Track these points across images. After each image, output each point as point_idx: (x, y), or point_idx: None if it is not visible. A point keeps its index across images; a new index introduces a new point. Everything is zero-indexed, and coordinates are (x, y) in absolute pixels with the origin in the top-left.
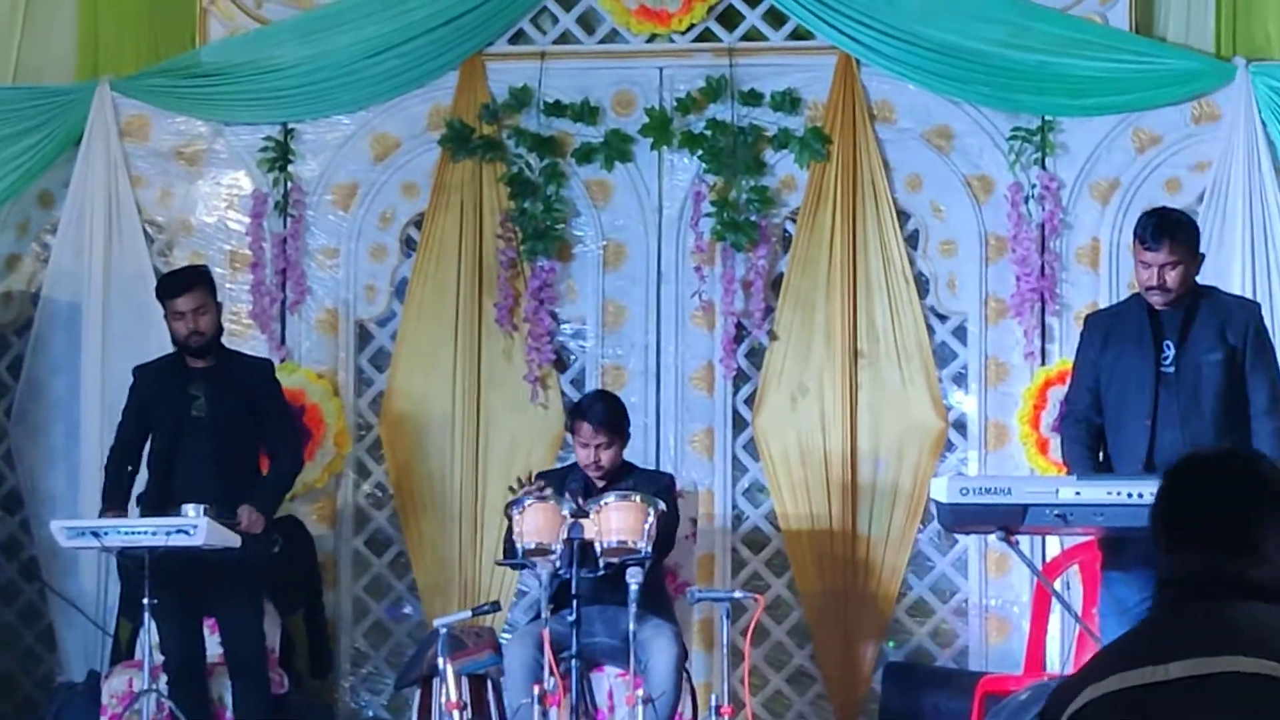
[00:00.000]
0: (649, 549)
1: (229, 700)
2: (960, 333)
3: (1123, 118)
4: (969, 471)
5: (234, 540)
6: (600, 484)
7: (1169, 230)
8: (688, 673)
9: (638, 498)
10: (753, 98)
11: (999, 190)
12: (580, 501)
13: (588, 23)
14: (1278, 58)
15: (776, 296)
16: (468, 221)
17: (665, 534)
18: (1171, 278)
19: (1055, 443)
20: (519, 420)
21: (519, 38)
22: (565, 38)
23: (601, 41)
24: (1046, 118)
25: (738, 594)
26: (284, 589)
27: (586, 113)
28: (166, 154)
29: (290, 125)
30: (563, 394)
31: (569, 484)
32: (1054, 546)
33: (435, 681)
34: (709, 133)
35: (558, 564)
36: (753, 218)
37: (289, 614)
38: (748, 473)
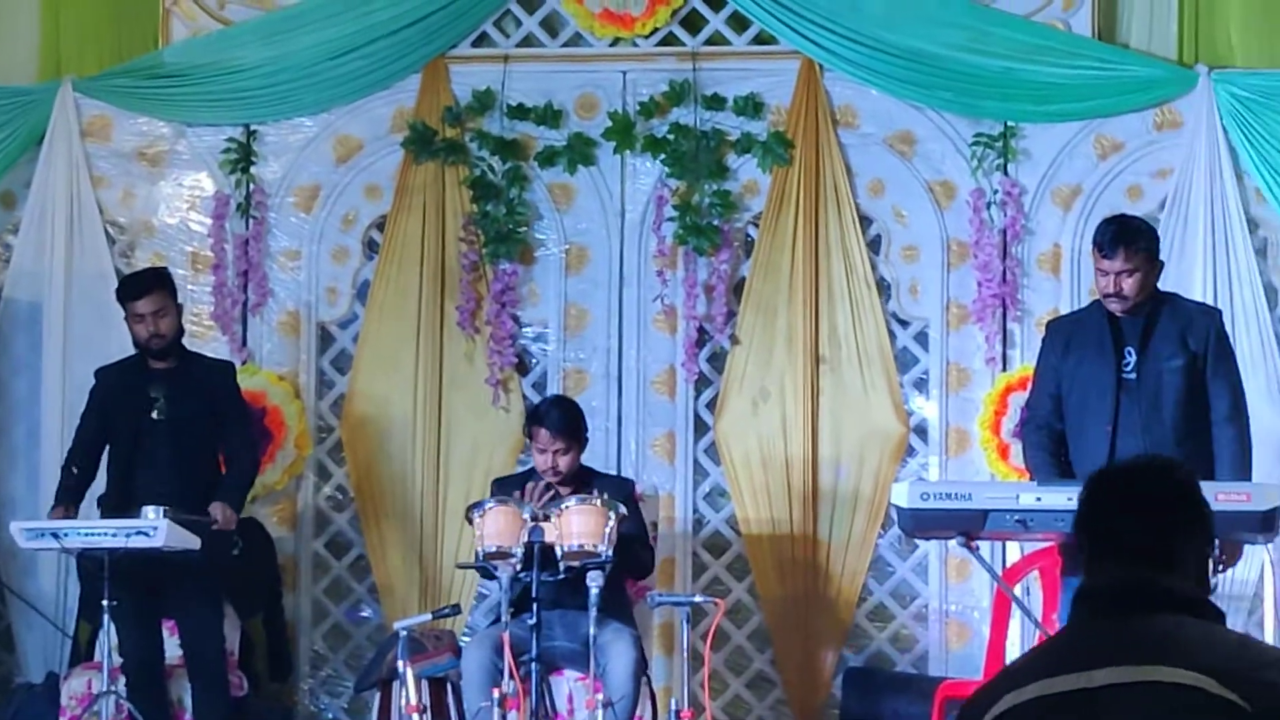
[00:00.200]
0: (610, 553)
1: (188, 702)
2: (922, 338)
3: (1085, 124)
4: (930, 477)
5: (194, 542)
6: (564, 490)
7: (1126, 238)
8: (648, 677)
9: (599, 501)
10: (716, 102)
11: (961, 196)
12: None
13: (551, 26)
14: (1239, 65)
15: (738, 301)
16: (430, 224)
17: (633, 549)
18: (1129, 285)
19: (1016, 448)
20: (480, 423)
21: (482, 40)
22: (528, 41)
23: (565, 45)
24: (1009, 124)
25: (698, 598)
26: (244, 591)
27: (549, 116)
28: (128, 155)
29: (253, 127)
30: (524, 397)
31: None
32: (1014, 552)
33: (395, 684)
34: (672, 137)
35: (518, 567)
36: (715, 222)
37: (248, 616)
38: (709, 477)
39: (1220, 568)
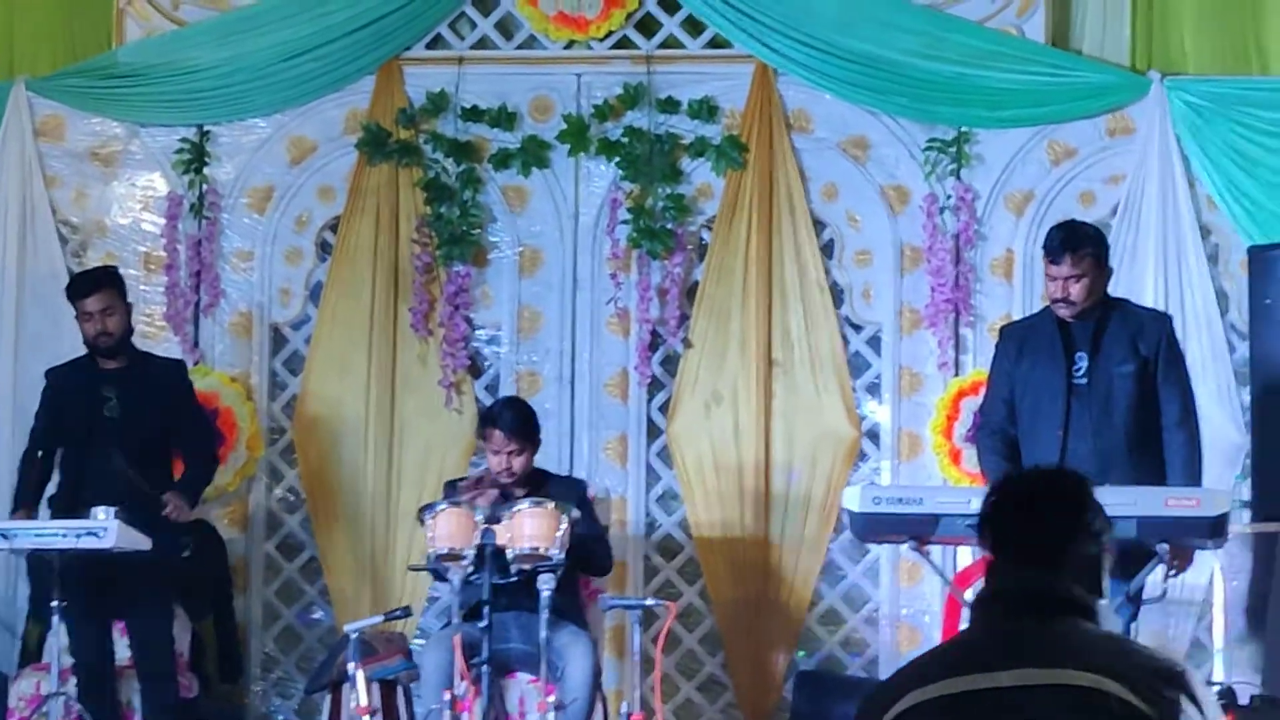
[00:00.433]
0: (562, 556)
1: (138, 704)
2: (874, 342)
3: (1038, 130)
4: (882, 481)
5: (144, 543)
6: (518, 492)
7: (1073, 243)
8: (599, 680)
9: (551, 504)
10: (670, 105)
11: (914, 201)
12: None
13: (506, 28)
14: (1192, 72)
15: (692, 304)
16: (383, 226)
17: (590, 547)
18: (1076, 290)
19: (968, 453)
20: (433, 425)
21: (437, 43)
22: (483, 43)
23: (519, 47)
24: (962, 129)
25: (649, 601)
26: (194, 593)
27: (504, 118)
28: (81, 155)
29: (206, 127)
30: (477, 400)
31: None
32: (966, 557)
33: (345, 687)
34: (626, 140)
35: (470, 570)
36: (669, 225)
37: (199, 618)
38: (661, 480)
39: (1171, 573)
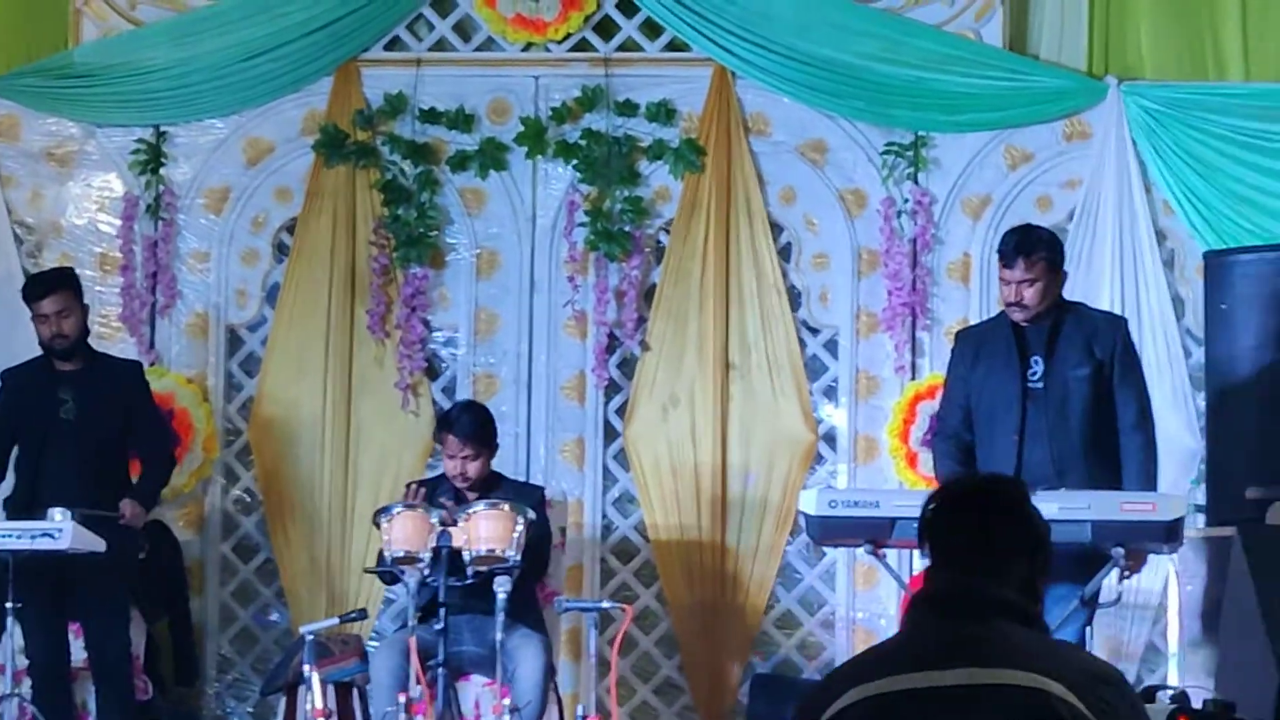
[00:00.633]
0: (518, 558)
1: (93, 706)
2: (831, 346)
3: (995, 134)
4: (838, 484)
5: (99, 544)
6: (471, 495)
7: (1026, 248)
8: (554, 683)
9: (507, 506)
10: (628, 108)
11: (872, 205)
12: (450, 509)
13: (464, 30)
14: (1149, 77)
15: (649, 307)
16: (341, 227)
17: (539, 552)
18: (1029, 294)
19: (924, 456)
20: (389, 428)
21: (395, 44)
22: (441, 45)
23: (477, 49)
24: (920, 133)
25: (606, 604)
26: (150, 594)
27: (461, 120)
28: (37, 155)
29: (163, 128)
30: (434, 402)
31: (439, 494)
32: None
33: (301, 689)
34: (584, 142)
35: (426, 572)
36: (626, 228)
37: (155, 619)
38: (618, 483)
39: (1125, 575)
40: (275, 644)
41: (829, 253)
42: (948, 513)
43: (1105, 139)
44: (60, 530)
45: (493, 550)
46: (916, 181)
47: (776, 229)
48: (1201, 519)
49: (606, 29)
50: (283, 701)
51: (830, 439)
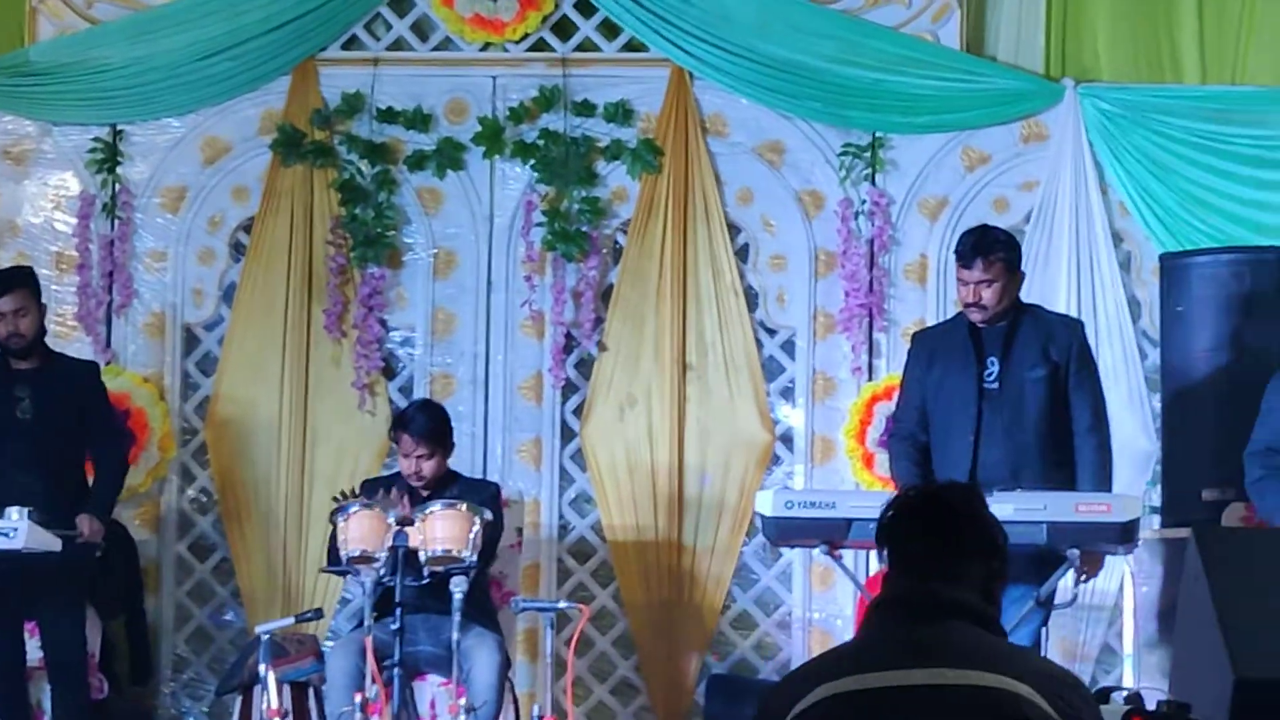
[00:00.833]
0: (474, 558)
1: (48, 705)
2: (788, 347)
3: (952, 136)
4: (795, 485)
5: (54, 544)
6: (425, 494)
7: (984, 248)
8: (511, 682)
9: (463, 506)
10: (585, 108)
11: (829, 206)
12: (405, 504)
13: (421, 30)
14: (1106, 79)
15: (606, 307)
16: (298, 227)
17: (489, 543)
18: (988, 295)
19: (881, 457)
20: (346, 427)
21: (352, 43)
22: (399, 44)
23: (435, 49)
24: (877, 134)
25: (562, 604)
26: (106, 593)
27: (419, 120)
28: None
29: (119, 127)
30: (390, 402)
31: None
32: (878, 561)
33: (257, 688)
34: (541, 142)
35: (382, 572)
36: (584, 228)
37: (110, 619)
38: (575, 483)
39: (1081, 578)
40: (231, 643)
41: (786, 254)
42: (906, 519)
43: (1062, 141)
44: (15, 529)
45: (449, 550)
46: (874, 183)
47: (734, 230)
48: (1157, 520)
49: (564, 29)
50: (238, 701)
51: (787, 440)
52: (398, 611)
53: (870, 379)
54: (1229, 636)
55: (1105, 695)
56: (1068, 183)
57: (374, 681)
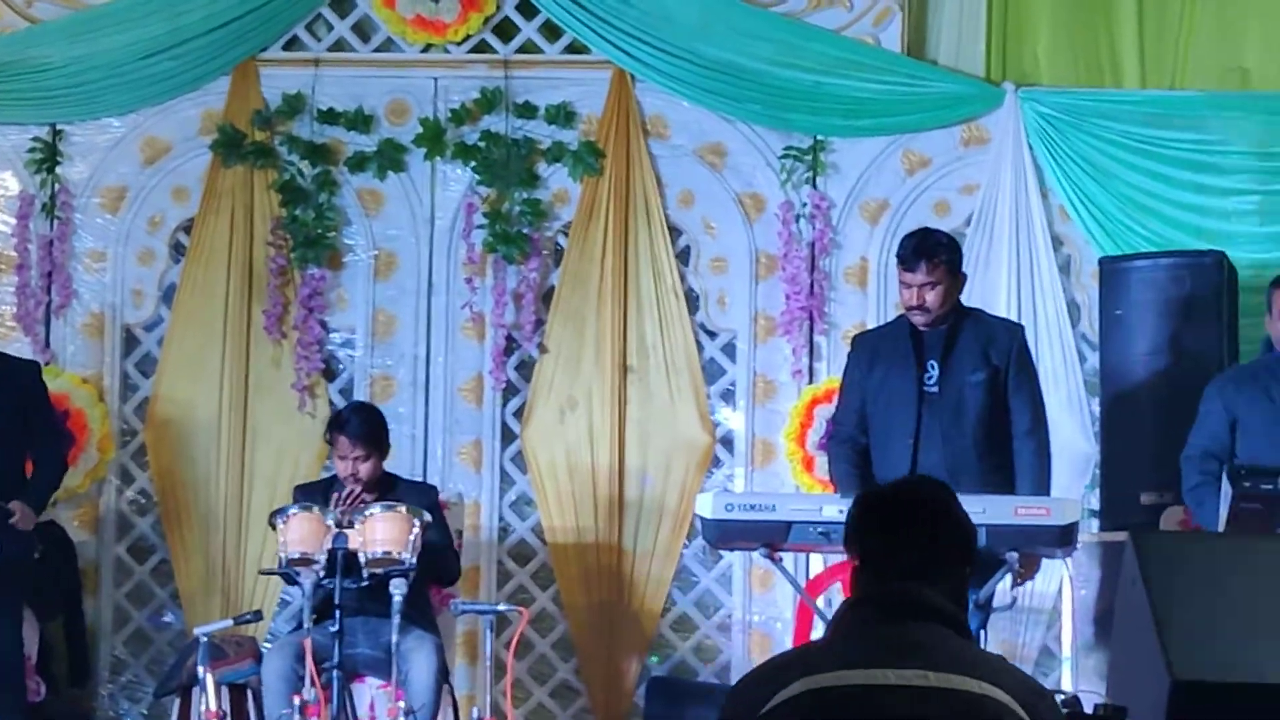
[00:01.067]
0: (413, 560)
1: None
2: (729, 350)
3: (893, 139)
4: (735, 488)
5: None
6: (368, 498)
7: (927, 251)
8: (450, 685)
9: (404, 509)
10: (527, 110)
11: (770, 209)
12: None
13: (363, 31)
14: (1046, 83)
15: (547, 309)
16: (238, 228)
17: (441, 555)
18: (931, 298)
19: (821, 460)
20: (286, 429)
21: (293, 44)
22: (340, 45)
23: (376, 50)
24: (818, 137)
25: (502, 606)
26: (43, 595)
27: (360, 121)
28: None
29: (59, 126)
30: (330, 403)
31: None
32: (818, 564)
33: (195, 690)
34: (483, 144)
35: (321, 574)
36: (525, 230)
37: (48, 620)
38: (515, 485)
39: (1018, 580)
40: (169, 645)
41: (727, 256)
42: (877, 519)
43: (1002, 144)
44: None
45: (388, 553)
46: (815, 186)
47: (675, 232)
48: (1095, 523)
49: (506, 31)
50: (177, 703)
51: (727, 442)
52: (337, 614)
53: (811, 382)
54: (1165, 640)
55: None
56: (1008, 186)
57: (312, 684)
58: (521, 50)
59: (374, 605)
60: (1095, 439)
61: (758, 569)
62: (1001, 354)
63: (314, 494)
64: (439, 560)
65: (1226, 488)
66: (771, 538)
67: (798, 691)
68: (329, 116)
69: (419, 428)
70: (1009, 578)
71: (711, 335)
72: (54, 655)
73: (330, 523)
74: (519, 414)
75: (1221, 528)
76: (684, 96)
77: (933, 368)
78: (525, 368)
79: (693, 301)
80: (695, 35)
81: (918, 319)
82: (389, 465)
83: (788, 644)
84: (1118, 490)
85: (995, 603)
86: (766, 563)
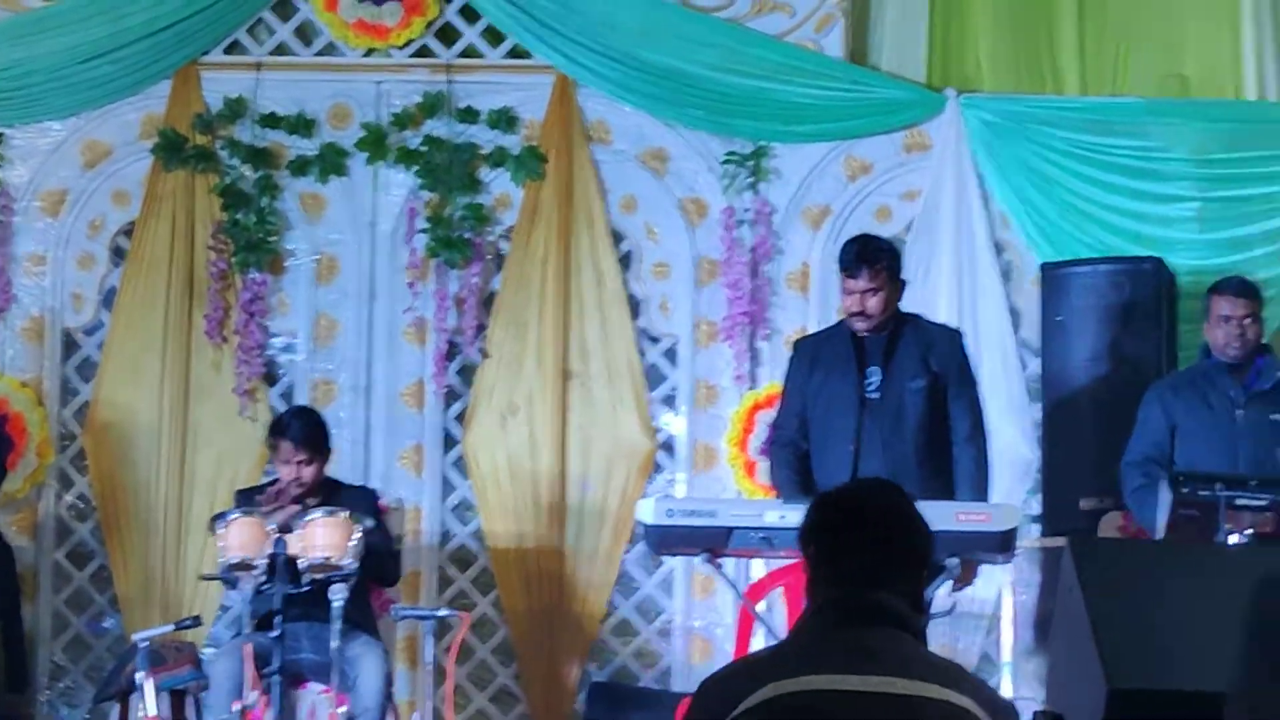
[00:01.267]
0: (355, 565)
1: None
2: (671, 355)
3: (835, 145)
4: (677, 493)
5: None
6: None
7: (869, 257)
8: (390, 690)
9: (344, 514)
10: (469, 115)
11: (712, 214)
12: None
13: (305, 35)
14: (987, 90)
15: (489, 314)
16: (179, 232)
17: (386, 553)
18: (873, 304)
19: (763, 465)
20: (226, 433)
21: (235, 48)
22: (282, 49)
23: (318, 54)
24: (760, 143)
25: (442, 612)
26: None
27: (302, 125)
28: None
29: None
30: (271, 408)
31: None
32: (759, 569)
33: (134, 696)
34: (425, 149)
35: (262, 579)
36: (467, 235)
37: None
38: (456, 490)
39: (958, 586)
40: (109, 651)
41: (669, 261)
42: (837, 523)
43: (944, 151)
44: None
45: (329, 558)
46: (757, 191)
47: (617, 237)
48: (1036, 529)
49: (448, 35)
50: (116, 709)
51: (669, 447)
52: (277, 619)
53: (752, 387)
54: (1103, 647)
55: None
56: (949, 192)
57: (253, 689)
58: (464, 55)
59: (319, 610)
60: (1036, 445)
61: (699, 574)
62: (942, 361)
63: (255, 499)
64: (380, 563)
65: (1166, 494)
66: (712, 543)
67: (768, 697)
68: (270, 120)
69: (360, 432)
70: (949, 583)
71: (653, 340)
72: None
73: (270, 528)
74: (461, 419)
75: (1161, 534)
76: (626, 102)
77: (874, 374)
78: (467, 373)
79: (635, 307)
80: (638, 41)
81: (859, 325)
82: (330, 470)
83: (729, 649)
84: (1058, 496)
85: (934, 608)
86: (708, 568)
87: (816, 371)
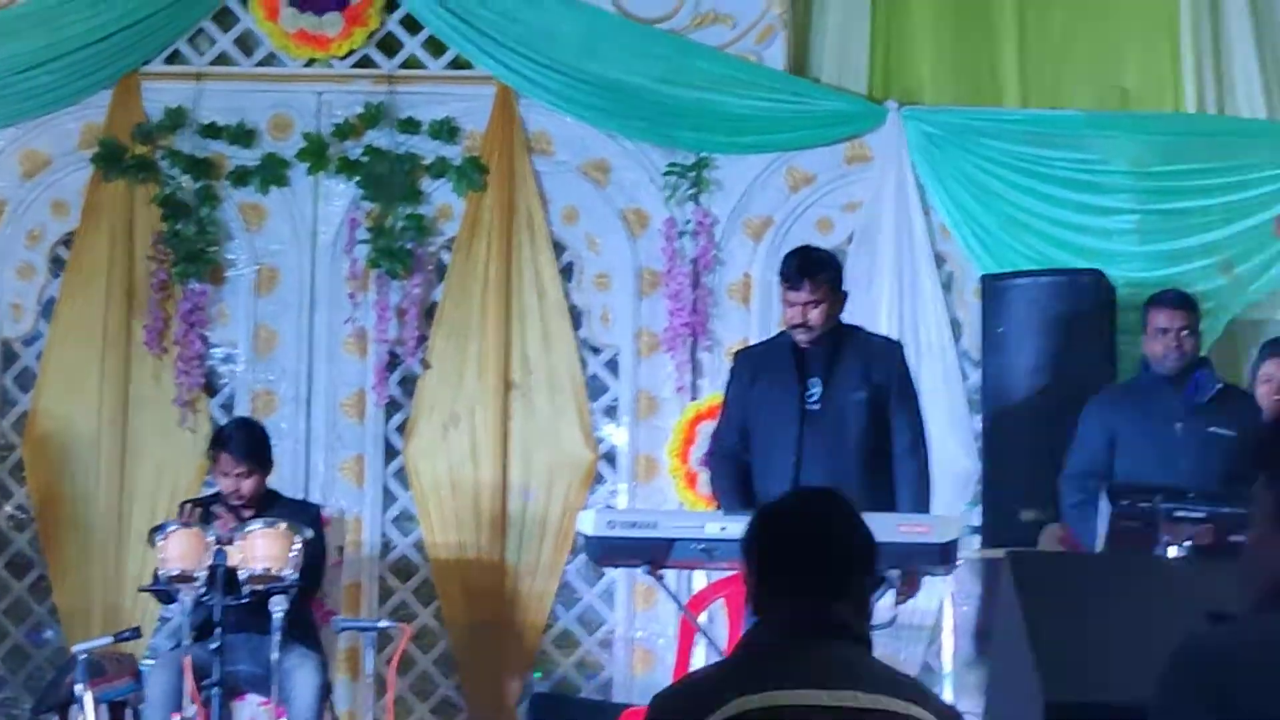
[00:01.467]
0: (295, 576)
1: None
2: (612, 365)
3: (777, 156)
4: (619, 504)
5: None
6: (247, 514)
7: (810, 269)
8: (330, 702)
9: (284, 526)
10: (411, 125)
11: (654, 225)
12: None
13: (246, 45)
14: (929, 102)
15: (430, 325)
16: (118, 242)
17: (314, 567)
18: (814, 315)
19: (704, 476)
20: (166, 444)
21: (175, 58)
22: (223, 59)
23: (259, 64)
24: (702, 154)
25: (383, 623)
26: None
27: (242, 135)
28: None
29: None
30: (212, 418)
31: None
32: (700, 580)
33: (73, 708)
34: (366, 159)
35: (201, 591)
36: (408, 245)
37: None
38: (397, 501)
39: (900, 598)
40: (48, 662)
41: (611, 272)
42: (786, 531)
43: (885, 162)
44: None
45: (268, 569)
46: (698, 202)
47: (558, 248)
48: (977, 540)
49: (390, 46)
50: None
51: (611, 458)
52: (217, 631)
53: (694, 398)
54: (1040, 661)
55: None
56: (890, 204)
57: (192, 701)
58: (405, 65)
59: (256, 622)
60: (977, 456)
61: (640, 585)
62: (883, 372)
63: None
64: (314, 572)
65: (1105, 506)
66: (654, 555)
67: (730, 714)
68: (211, 130)
69: (301, 443)
70: (890, 595)
71: (595, 351)
72: None
73: (210, 539)
74: (402, 429)
75: (1100, 546)
76: (568, 113)
77: (815, 385)
78: (408, 383)
79: (576, 317)
80: (579, 52)
81: (800, 337)
82: (271, 480)
83: (670, 660)
84: (999, 507)
85: (876, 619)
86: (649, 579)
87: (758, 383)
